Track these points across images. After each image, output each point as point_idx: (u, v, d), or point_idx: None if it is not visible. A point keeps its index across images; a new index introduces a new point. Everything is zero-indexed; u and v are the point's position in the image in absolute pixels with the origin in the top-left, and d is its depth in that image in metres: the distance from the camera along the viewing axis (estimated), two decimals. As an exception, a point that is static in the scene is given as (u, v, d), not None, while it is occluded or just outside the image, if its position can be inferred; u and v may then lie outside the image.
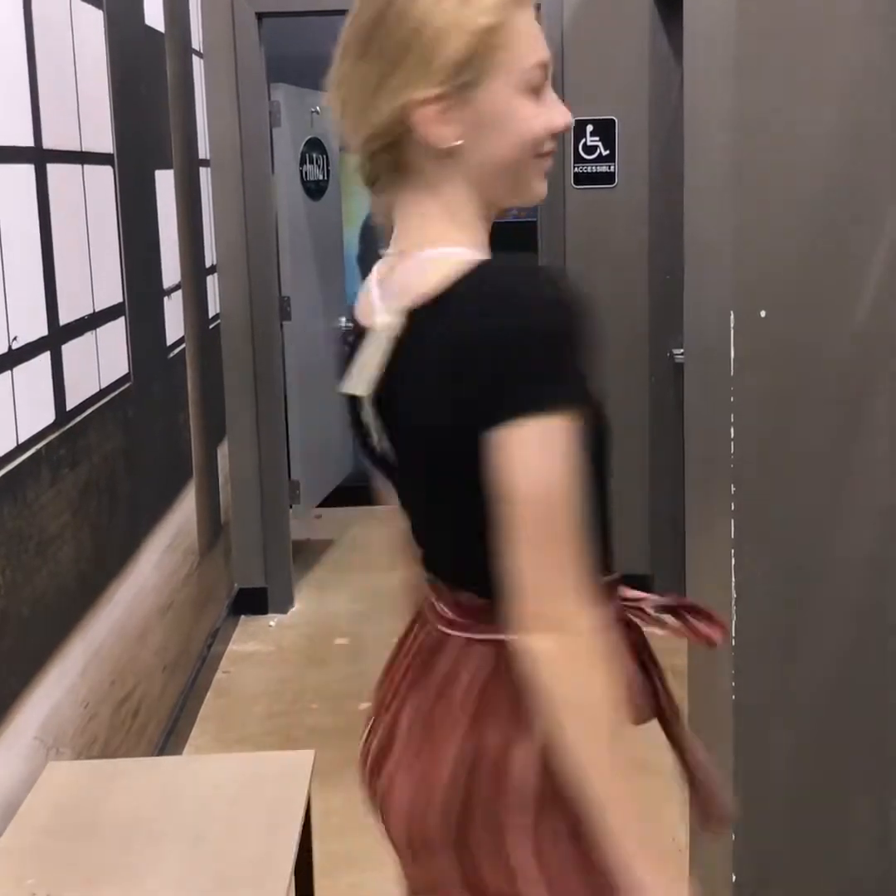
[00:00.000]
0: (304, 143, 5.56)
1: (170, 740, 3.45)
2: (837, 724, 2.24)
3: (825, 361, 2.13)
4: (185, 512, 3.85)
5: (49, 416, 2.55)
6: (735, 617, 2.19)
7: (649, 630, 1.70)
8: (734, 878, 2.28)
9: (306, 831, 2.30)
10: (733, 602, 2.18)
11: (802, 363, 2.13)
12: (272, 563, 4.82)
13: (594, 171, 4.56)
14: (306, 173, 5.61)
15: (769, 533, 2.18)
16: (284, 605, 4.85)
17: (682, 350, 4.38)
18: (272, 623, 4.75)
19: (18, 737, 2.31)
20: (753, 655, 2.22)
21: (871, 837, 2.26)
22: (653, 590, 5.20)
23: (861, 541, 2.16)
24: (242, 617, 4.76)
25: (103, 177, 3.05)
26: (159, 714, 3.41)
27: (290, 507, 5.04)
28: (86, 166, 2.89)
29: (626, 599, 1.68)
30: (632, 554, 4.79)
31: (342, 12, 5.22)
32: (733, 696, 2.22)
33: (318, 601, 4.98)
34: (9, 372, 2.32)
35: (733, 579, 2.17)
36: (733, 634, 2.20)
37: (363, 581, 5.16)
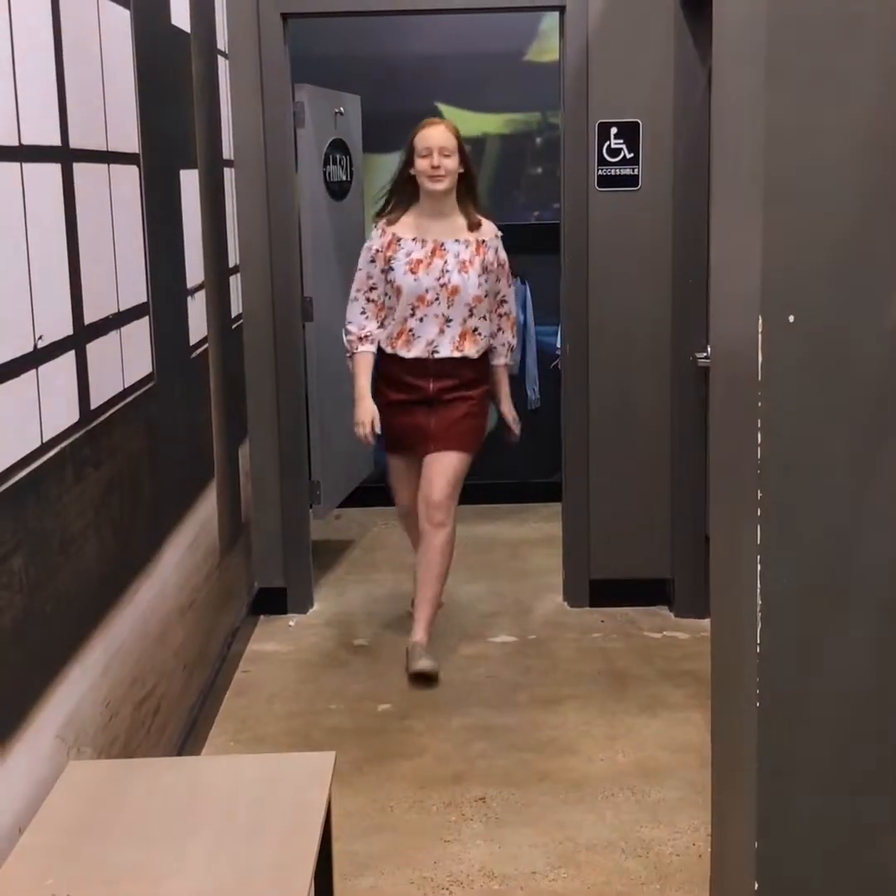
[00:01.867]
0: (327, 144, 5.56)
1: (189, 740, 3.46)
2: (864, 734, 2.22)
3: (853, 366, 2.11)
4: (206, 511, 3.86)
5: (73, 415, 2.55)
6: (760, 625, 2.17)
7: None
8: (756, 886, 2.26)
9: (326, 833, 2.30)
10: (759, 609, 2.17)
11: (831, 368, 2.12)
12: (292, 563, 4.83)
13: (618, 173, 4.55)
14: (329, 174, 5.61)
15: (796, 540, 2.16)
16: (304, 605, 4.85)
17: (704, 353, 4.38)
18: (291, 623, 4.75)
19: (40, 736, 2.31)
20: (779, 663, 2.21)
21: None
22: (674, 596, 5.14)
23: (888, 548, 2.15)
24: (262, 617, 4.76)
25: (129, 176, 3.06)
26: (179, 713, 3.42)
27: (311, 507, 5.04)
28: (111, 166, 2.89)
29: None
30: (653, 558, 4.79)
31: (365, 13, 5.27)
32: (758, 704, 2.21)
33: (338, 601, 4.98)
34: (34, 371, 2.32)
35: (759, 586, 2.16)
36: (758, 642, 2.19)
37: (382, 582, 5.16)
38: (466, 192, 4.21)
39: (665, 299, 4.60)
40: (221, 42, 4.36)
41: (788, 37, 2.05)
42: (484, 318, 4.21)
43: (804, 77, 2.05)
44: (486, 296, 4.19)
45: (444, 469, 4.23)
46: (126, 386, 2.95)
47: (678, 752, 3.59)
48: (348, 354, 4.28)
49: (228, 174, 4.42)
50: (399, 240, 4.17)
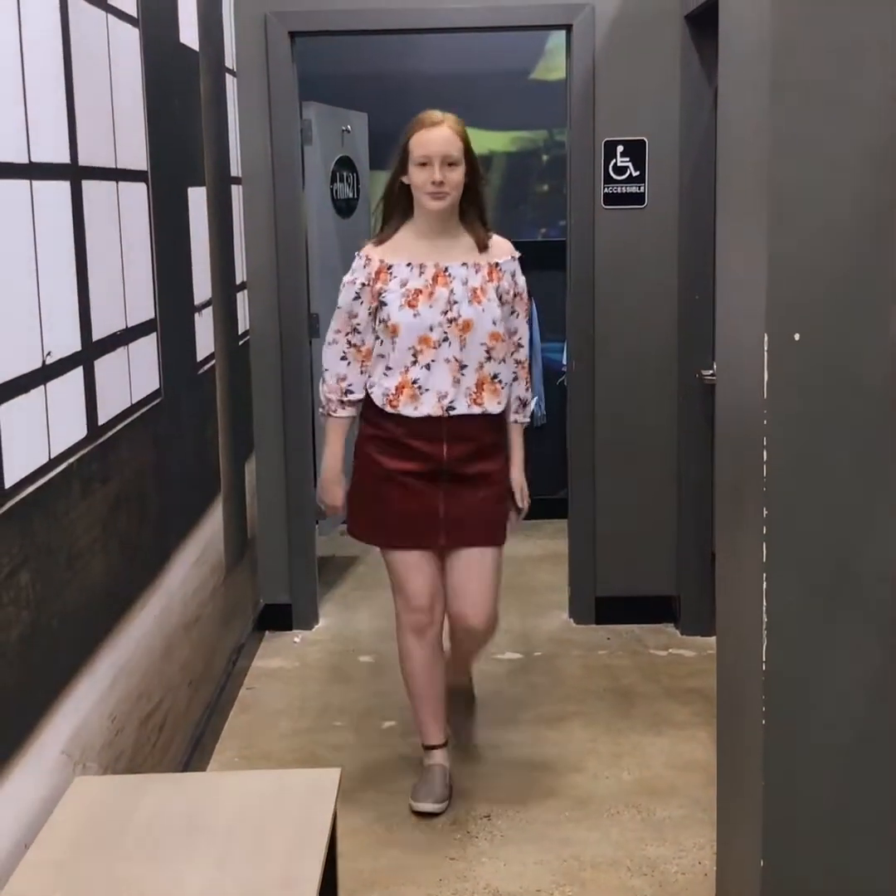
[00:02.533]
0: (334, 162, 5.59)
1: (194, 755, 3.46)
2: (869, 751, 2.22)
3: (859, 384, 2.12)
4: (212, 527, 3.87)
5: (81, 431, 2.56)
6: (766, 642, 2.18)
7: None
8: (762, 904, 2.26)
9: (331, 850, 2.30)
10: (764, 626, 2.17)
11: (836, 386, 2.12)
12: (297, 579, 4.83)
13: (624, 191, 4.57)
14: (337, 191, 5.64)
15: (802, 558, 2.17)
16: (309, 622, 4.85)
17: (710, 371, 4.38)
18: (297, 639, 4.75)
19: (46, 751, 2.31)
20: (784, 681, 2.21)
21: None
22: (679, 613, 5.12)
23: (894, 566, 2.15)
24: (267, 633, 4.76)
25: (137, 193, 3.07)
26: (185, 729, 3.42)
27: (316, 523, 5.05)
28: (120, 183, 2.91)
29: None
30: (659, 576, 4.78)
31: (373, 32, 5.25)
32: (763, 721, 2.21)
33: (343, 618, 4.98)
34: (42, 386, 2.33)
35: (764, 603, 2.16)
36: (764, 660, 2.19)
37: (388, 598, 5.15)
38: (472, 203, 3.32)
39: (671, 317, 4.61)
40: (230, 60, 4.38)
41: (792, 58, 2.06)
42: (503, 361, 3.31)
43: (808, 98, 2.07)
44: (504, 333, 3.30)
45: (479, 575, 3.34)
46: (133, 402, 2.96)
47: (684, 770, 3.59)
48: (323, 412, 3.38)
49: (236, 191, 4.44)
50: (389, 267, 3.24)
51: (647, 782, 3.53)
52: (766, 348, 2.09)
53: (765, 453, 2.13)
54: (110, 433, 2.75)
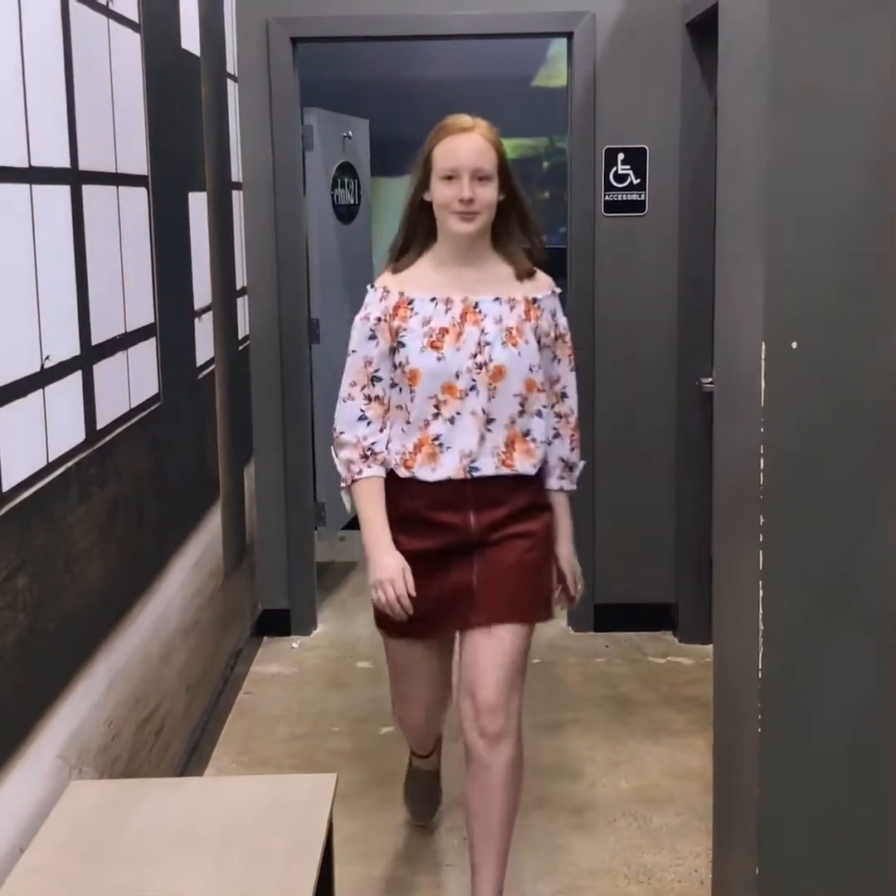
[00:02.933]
0: (335, 168, 5.59)
1: (191, 761, 3.45)
2: (864, 759, 2.22)
3: (856, 393, 2.12)
4: (210, 532, 3.87)
5: (79, 435, 2.57)
6: (762, 650, 2.18)
7: None
8: (757, 912, 2.26)
9: (328, 855, 2.29)
10: (760, 635, 2.17)
11: (833, 395, 2.12)
12: (296, 584, 4.83)
13: (625, 199, 4.57)
14: (337, 197, 5.64)
15: (798, 566, 2.17)
16: (307, 627, 4.85)
17: (710, 379, 4.38)
18: (295, 644, 4.75)
19: (42, 755, 2.31)
20: (780, 688, 2.21)
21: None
22: (678, 621, 5.11)
23: (890, 574, 2.15)
24: (265, 638, 4.76)
25: (137, 198, 3.08)
26: (182, 734, 3.41)
27: (315, 528, 5.05)
28: (120, 188, 2.91)
29: None
30: (657, 584, 4.78)
31: (375, 39, 5.27)
32: (759, 729, 2.21)
33: (342, 624, 4.98)
34: (41, 390, 2.33)
35: (761, 611, 2.16)
36: (760, 667, 2.19)
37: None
38: (511, 226, 2.77)
39: (671, 324, 4.61)
40: (231, 65, 4.39)
41: (791, 67, 2.07)
42: (538, 414, 2.74)
43: (807, 107, 2.07)
44: (541, 381, 2.74)
45: (498, 653, 2.72)
46: (132, 406, 2.96)
47: (681, 779, 3.58)
48: (345, 484, 2.76)
49: (237, 197, 4.45)
50: (410, 302, 2.69)
51: (644, 790, 3.52)
52: (763, 357, 2.10)
53: (762, 461, 2.13)
54: (109, 437, 2.76)
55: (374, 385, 2.71)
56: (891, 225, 2.07)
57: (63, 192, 2.51)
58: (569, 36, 4.56)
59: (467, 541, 2.71)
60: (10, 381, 2.18)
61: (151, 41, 3.21)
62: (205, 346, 3.81)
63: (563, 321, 2.83)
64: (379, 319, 2.69)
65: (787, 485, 2.14)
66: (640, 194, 4.57)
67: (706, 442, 4.36)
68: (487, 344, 2.65)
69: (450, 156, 2.63)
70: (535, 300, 2.73)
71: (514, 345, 2.67)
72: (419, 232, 2.74)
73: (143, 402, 3.06)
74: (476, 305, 2.68)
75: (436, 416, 2.66)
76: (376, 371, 2.70)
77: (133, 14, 3.06)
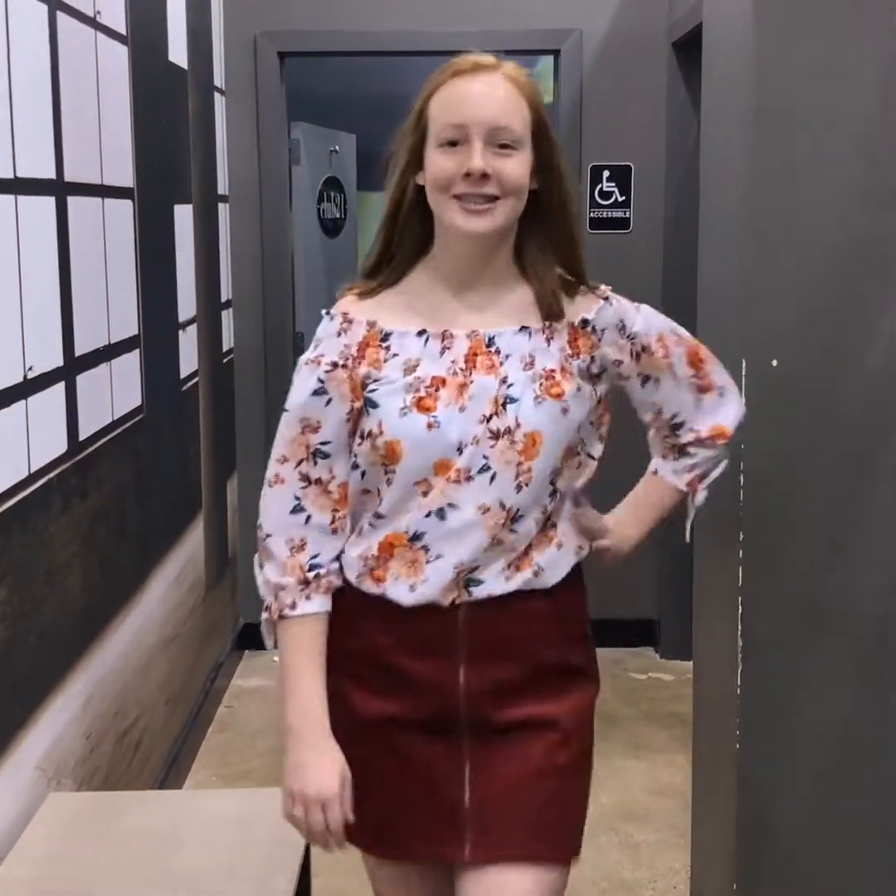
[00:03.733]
0: (322, 182, 5.61)
1: (171, 773, 3.44)
2: (842, 776, 2.23)
3: (836, 411, 2.13)
4: (193, 545, 3.86)
5: (61, 446, 2.56)
6: (741, 666, 2.18)
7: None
8: (735, 929, 2.26)
9: (305, 869, 2.29)
10: (739, 650, 2.18)
11: (813, 413, 2.13)
12: (278, 598, 4.81)
13: (610, 216, 4.59)
14: (324, 211, 5.65)
15: (777, 582, 2.18)
16: (289, 641, 4.83)
17: (693, 396, 4.39)
18: (276, 658, 4.72)
19: (20, 767, 2.30)
20: (759, 705, 2.21)
21: (877, 887, 2.24)
22: (660, 637, 5.09)
23: (869, 590, 2.16)
24: (246, 651, 4.75)
25: (123, 210, 3.08)
26: (161, 747, 3.40)
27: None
28: (106, 199, 2.92)
29: None
30: (638, 598, 4.78)
31: (362, 54, 5.25)
32: (738, 746, 2.21)
33: (323, 638, 4.97)
34: (23, 401, 2.33)
35: (740, 628, 2.17)
36: (738, 683, 2.19)
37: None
38: (553, 232, 1.75)
39: (655, 341, 4.62)
40: (218, 79, 4.40)
41: (775, 85, 2.08)
42: (559, 493, 1.78)
43: (790, 125, 2.08)
44: (578, 441, 1.81)
45: None
46: (115, 418, 2.96)
47: (661, 795, 3.58)
48: (269, 615, 1.79)
49: (223, 210, 4.45)
50: (385, 336, 1.72)
51: (624, 806, 3.52)
52: (744, 373, 2.11)
53: (742, 478, 2.14)
54: (91, 449, 2.75)
55: (315, 463, 1.73)
56: (872, 243, 2.08)
57: (48, 203, 2.51)
58: (556, 53, 4.58)
59: (452, 715, 1.71)
60: (-7, 392, 2.18)
61: (139, 54, 3.21)
62: (189, 359, 3.81)
63: (642, 322, 1.84)
64: (334, 365, 1.71)
65: (766, 501, 2.15)
66: (625, 211, 4.59)
67: (689, 459, 4.37)
68: (511, 401, 1.67)
69: (453, 107, 1.66)
70: (584, 324, 1.76)
71: (558, 397, 1.70)
72: (406, 237, 1.75)
73: (127, 414, 3.06)
74: (491, 342, 1.70)
75: (417, 505, 1.69)
76: (324, 443, 1.72)
77: (121, 27, 3.07)
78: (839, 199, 2.09)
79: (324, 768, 1.69)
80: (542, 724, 1.73)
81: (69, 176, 2.62)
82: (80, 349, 2.69)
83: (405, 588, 1.71)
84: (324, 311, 1.79)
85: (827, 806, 2.24)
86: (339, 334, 1.74)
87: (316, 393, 1.72)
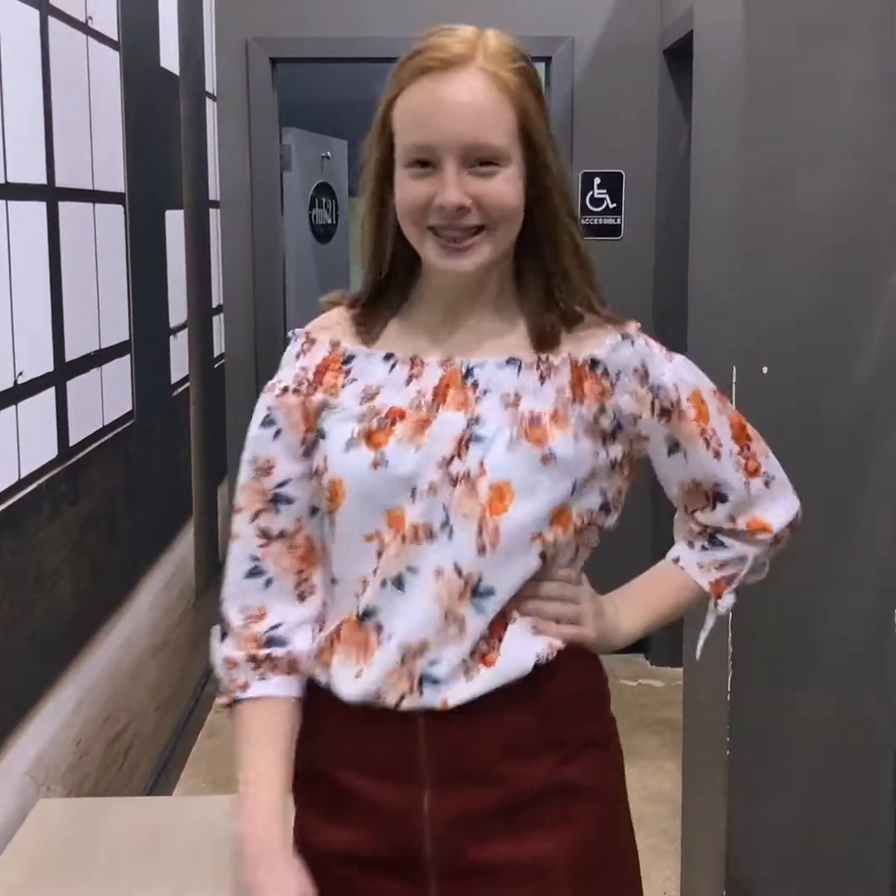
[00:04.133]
0: (313, 188, 5.61)
1: (160, 779, 3.43)
2: (832, 784, 2.23)
3: (826, 419, 2.14)
4: (183, 550, 3.85)
5: (52, 452, 2.56)
6: (731, 673, 2.18)
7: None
8: (724, 936, 2.26)
9: (295, 876, 2.28)
10: (729, 657, 2.18)
11: (803, 421, 2.14)
12: (269, 604, 4.80)
13: (601, 223, 4.60)
14: (315, 217, 5.66)
15: (766, 588, 2.18)
16: (279, 647, 4.81)
17: (683, 403, 4.40)
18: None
19: (9, 773, 2.29)
20: (749, 712, 2.21)
21: (867, 893, 2.24)
22: (650, 644, 5.07)
23: (859, 597, 2.16)
24: (237, 657, 4.74)
25: (114, 216, 3.07)
26: (151, 753, 3.40)
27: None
28: (97, 205, 2.91)
29: None
30: (629, 605, 4.78)
31: (354, 60, 5.24)
32: (728, 752, 2.21)
33: (314, 644, 4.96)
34: (13, 407, 2.32)
35: (730, 635, 2.17)
36: (728, 690, 2.19)
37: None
38: (541, 248, 1.44)
39: (645, 348, 4.63)
40: (210, 85, 4.40)
41: (765, 94, 2.09)
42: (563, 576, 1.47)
43: (780, 134, 2.09)
44: (594, 511, 1.49)
45: None
46: (105, 423, 2.95)
47: (652, 802, 3.58)
48: (225, 697, 1.44)
49: (214, 215, 4.45)
50: (347, 359, 1.46)
51: (614, 812, 3.52)
52: (734, 381, 2.11)
53: (733, 485, 2.14)
54: (81, 454, 2.75)
55: (277, 511, 1.44)
56: (862, 250, 2.09)
57: (39, 208, 2.51)
58: (547, 60, 4.58)
59: (416, 852, 1.37)
60: (-17, 397, 2.18)
61: (130, 59, 3.21)
62: (180, 364, 3.80)
63: (671, 373, 1.48)
64: (284, 390, 1.48)
65: (757, 509, 2.15)
66: (615, 218, 4.60)
67: (679, 465, 4.38)
68: (476, 440, 1.35)
69: (420, 122, 1.33)
70: (592, 362, 1.42)
71: (538, 443, 1.35)
72: (396, 263, 1.45)
73: (117, 419, 3.06)
74: (468, 373, 1.40)
75: (374, 571, 1.37)
76: (281, 484, 1.45)
77: (112, 32, 3.07)
78: (829, 206, 2.10)
79: (264, 863, 1.33)
80: (528, 867, 1.35)
81: (60, 181, 2.62)
82: (70, 354, 2.68)
83: (350, 676, 1.37)
84: (291, 333, 1.54)
85: (817, 812, 2.24)
86: (298, 356, 1.50)
87: (264, 423, 1.49)
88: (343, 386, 1.43)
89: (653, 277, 4.59)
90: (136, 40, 3.29)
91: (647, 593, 1.61)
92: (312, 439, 1.43)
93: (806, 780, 2.23)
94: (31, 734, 2.42)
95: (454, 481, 1.34)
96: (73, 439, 2.69)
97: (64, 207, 2.64)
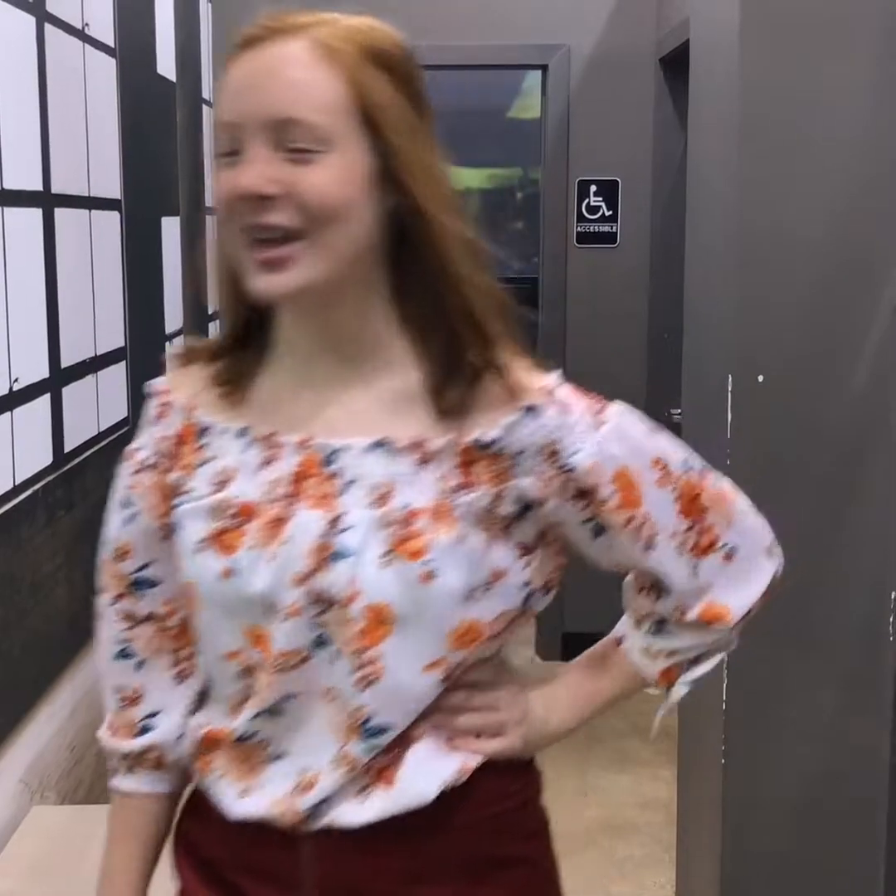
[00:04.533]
0: (309, 194, 5.62)
1: (155, 787, 3.42)
2: (827, 792, 2.23)
3: (822, 428, 2.14)
4: (178, 557, 3.85)
5: (47, 458, 2.55)
6: (726, 680, 2.18)
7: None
8: (719, 944, 2.26)
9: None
10: (724, 666, 2.17)
11: (799, 429, 2.14)
12: (264, 610, 4.79)
13: (597, 230, 4.60)
14: (311, 223, 5.66)
15: (761, 610, 2.18)
16: (275, 654, 4.81)
17: (679, 409, 4.40)
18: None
19: (3, 780, 2.29)
20: (744, 719, 2.21)
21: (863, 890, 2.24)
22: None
23: (854, 605, 2.16)
24: (232, 664, 4.73)
25: (110, 222, 3.07)
26: (145, 760, 3.39)
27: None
28: (93, 211, 2.91)
29: None
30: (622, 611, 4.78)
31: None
32: (723, 760, 2.21)
33: (309, 650, 4.95)
34: (9, 413, 2.32)
35: (725, 658, 2.17)
36: (723, 699, 2.19)
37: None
38: (426, 279, 1.10)
39: (641, 355, 4.64)
40: (206, 91, 4.40)
41: (761, 103, 2.09)
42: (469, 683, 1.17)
43: (777, 142, 2.09)
44: (499, 614, 1.14)
45: None
46: (101, 430, 2.95)
47: (646, 809, 3.58)
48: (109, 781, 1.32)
49: (210, 221, 4.45)
50: (203, 431, 1.19)
51: (609, 820, 3.52)
52: (730, 389, 2.11)
53: (728, 493, 2.14)
54: (77, 461, 2.74)
55: (140, 595, 1.25)
56: (859, 259, 2.09)
57: (35, 215, 2.51)
58: (543, 68, 4.59)
59: None
60: (-22, 403, 2.18)
61: (127, 66, 3.21)
62: (175, 371, 3.80)
63: (591, 449, 1.19)
64: (140, 466, 1.27)
65: (752, 517, 2.15)
66: (611, 226, 4.61)
67: (675, 472, 4.38)
68: (341, 556, 1.09)
69: (228, 98, 1.12)
70: (490, 444, 1.13)
71: (414, 557, 1.09)
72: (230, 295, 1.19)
73: (113, 426, 3.05)
74: (330, 457, 1.12)
75: (243, 697, 1.17)
76: (142, 568, 1.25)
77: (109, 39, 3.07)
78: (825, 214, 2.10)
79: None
80: None
81: (56, 188, 2.62)
82: (66, 361, 2.68)
83: (233, 793, 1.18)
84: (146, 387, 1.28)
85: (811, 820, 2.24)
86: (156, 420, 1.26)
87: (122, 504, 1.26)
88: (197, 465, 1.18)
89: (648, 285, 4.60)
90: (132, 47, 3.29)
91: (583, 683, 1.35)
92: (171, 525, 1.19)
93: (801, 788, 2.23)
94: (26, 741, 2.42)
95: (320, 602, 1.09)
96: (69, 446, 2.69)
97: (60, 214, 2.64)
